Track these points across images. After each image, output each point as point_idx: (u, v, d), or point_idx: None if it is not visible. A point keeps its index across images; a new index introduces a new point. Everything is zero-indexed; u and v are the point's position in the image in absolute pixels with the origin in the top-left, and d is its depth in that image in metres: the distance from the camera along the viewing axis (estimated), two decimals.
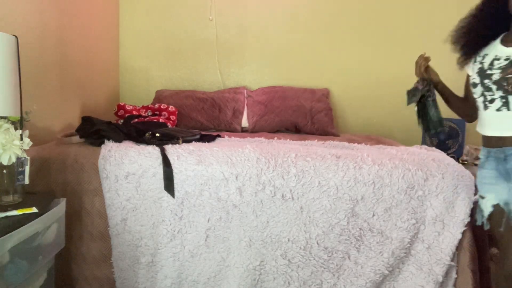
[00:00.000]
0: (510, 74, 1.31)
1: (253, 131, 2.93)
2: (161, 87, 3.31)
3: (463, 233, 1.63)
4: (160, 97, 3.07)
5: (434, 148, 1.98)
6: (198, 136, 2.02)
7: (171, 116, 2.80)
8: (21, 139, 1.37)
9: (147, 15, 3.29)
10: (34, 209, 1.34)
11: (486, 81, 1.38)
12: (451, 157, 1.89)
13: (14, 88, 1.35)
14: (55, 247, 1.49)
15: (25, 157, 1.41)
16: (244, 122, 2.99)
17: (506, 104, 1.34)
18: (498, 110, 1.36)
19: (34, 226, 1.30)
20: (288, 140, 2.09)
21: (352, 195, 1.65)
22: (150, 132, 1.94)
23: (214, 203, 1.68)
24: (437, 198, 1.64)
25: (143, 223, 1.72)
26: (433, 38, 3.25)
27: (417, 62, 1.64)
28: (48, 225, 1.40)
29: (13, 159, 1.34)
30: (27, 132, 1.44)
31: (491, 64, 1.38)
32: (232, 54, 3.33)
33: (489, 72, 1.38)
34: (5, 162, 1.32)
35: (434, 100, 1.66)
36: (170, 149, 1.76)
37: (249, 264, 1.69)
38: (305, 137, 2.43)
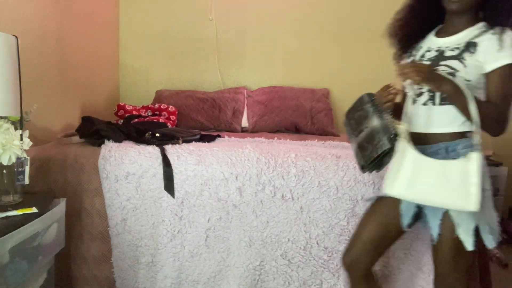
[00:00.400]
0: (437, 66, 1.24)
1: (253, 131, 2.93)
2: (161, 87, 3.31)
3: None
4: (160, 97, 3.07)
5: None
6: (198, 136, 2.02)
7: (171, 116, 2.80)
8: (21, 139, 1.37)
9: (147, 15, 3.28)
10: (34, 209, 1.34)
11: None
12: None
13: (14, 88, 1.35)
14: (55, 247, 1.49)
15: (25, 157, 1.41)
16: (244, 122, 2.99)
17: (432, 98, 1.27)
18: (424, 104, 1.29)
19: (34, 226, 1.30)
20: (288, 140, 2.09)
21: (352, 195, 1.65)
22: (150, 132, 1.94)
23: (214, 203, 1.68)
24: None
25: (143, 223, 1.72)
26: None
27: (381, 95, 1.35)
28: (48, 225, 1.40)
29: (13, 159, 1.34)
30: (27, 132, 1.44)
31: (422, 56, 1.32)
32: (232, 54, 3.33)
33: None
34: (5, 162, 1.32)
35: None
36: (170, 149, 1.76)
37: (249, 264, 1.69)
38: (305, 137, 2.43)
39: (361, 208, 1.65)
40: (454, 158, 1.20)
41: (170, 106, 2.85)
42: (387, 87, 1.33)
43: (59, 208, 1.49)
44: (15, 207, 1.35)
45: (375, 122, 1.31)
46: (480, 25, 1.24)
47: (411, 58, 1.37)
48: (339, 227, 1.66)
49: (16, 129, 1.38)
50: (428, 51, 1.31)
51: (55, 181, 1.74)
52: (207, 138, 2.03)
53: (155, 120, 2.66)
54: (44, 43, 2.15)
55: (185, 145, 1.82)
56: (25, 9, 1.97)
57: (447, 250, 1.26)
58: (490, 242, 1.21)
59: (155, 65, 3.34)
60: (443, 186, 1.16)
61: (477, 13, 1.27)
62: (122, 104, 2.79)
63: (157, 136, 1.91)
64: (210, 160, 1.70)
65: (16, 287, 1.24)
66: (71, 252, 1.75)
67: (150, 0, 3.27)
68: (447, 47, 1.27)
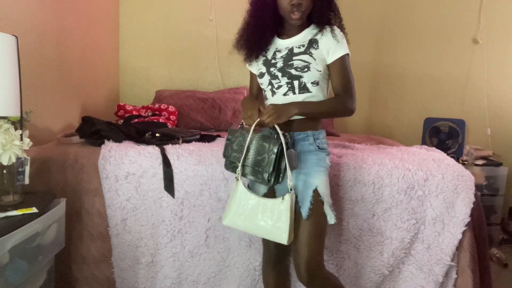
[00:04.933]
0: (291, 61, 1.41)
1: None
2: (161, 87, 3.31)
3: (463, 233, 1.63)
4: (160, 97, 3.07)
5: (434, 148, 1.98)
6: (198, 136, 2.02)
7: (171, 116, 2.80)
8: (21, 139, 1.37)
9: (147, 15, 3.29)
10: (34, 209, 1.34)
11: (272, 69, 1.45)
12: (451, 157, 1.89)
13: (14, 88, 1.35)
14: (55, 247, 1.49)
15: (25, 157, 1.41)
16: None
17: (291, 88, 1.43)
18: (284, 94, 1.44)
19: (34, 226, 1.30)
20: None
21: (352, 195, 1.65)
22: (150, 132, 1.94)
23: (214, 203, 1.68)
24: (437, 198, 1.64)
25: (143, 223, 1.72)
26: (431, 38, 3.26)
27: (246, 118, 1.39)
28: (48, 225, 1.40)
29: (13, 159, 1.34)
30: (27, 132, 1.43)
31: (274, 55, 1.47)
32: (232, 54, 3.31)
33: (273, 61, 1.45)
34: (5, 162, 1.32)
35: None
36: (170, 149, 1.76)
37: (249, 264, 1.69)
38: None
39: (361, 208, 1.65)
40: (318, 146, 1.41)
41: (170, 106, 2.85)
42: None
43: (59, 208, 1.49)
44: (15, 207, 1.35)
45: (252, 138, 1.37)
46: (313, 26, 1.46)
47: (262, 59, 1.49)
48: (339, 227, 1.66)
49: (16, 129, 1.38)
50: (279, 51, 1.46)
51: (55, 181, 1.74)
52: (207, 138, 2.03)
53: (155, 120, 2.66)
54: (44, 43, 2.15)
55: (185, 145, 1.82)
56: (25, 9, 1.97)
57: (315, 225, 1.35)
58: (332, 218, 1.35)
59: (155, 65, 3.34)
60: (259, 223, 1.33)
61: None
62: (122, 104, 2.79)
63: (157, 136, 1.91)
64: (210, 160, 1.70)
65: (16, 287, 1.24)
66: (71, 252, 1.75)
67: (150, 0, 3.27)
68: (293, 46, 1.44)
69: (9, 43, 1.33)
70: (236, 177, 1.40)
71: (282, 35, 1.50)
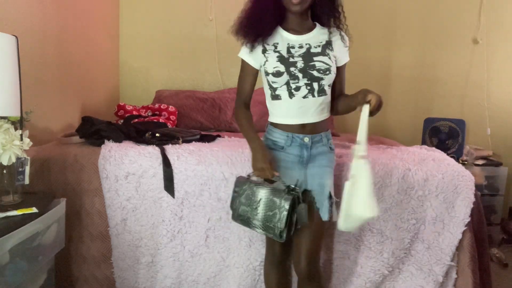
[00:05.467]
0: (312, 62, 1.39)
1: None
2: (161, 87, 3.31)
3: (463, 233, 1.63)
4: (160, 97, 3.07)
5: (434, 148, 1.98)
6: (198, 136, 2.02)
7: (171, 116, 2.80)
8: (21, 139, 1.37)
9: (147, 15, 3.28)
10: (34, 209, 1.34)
11: (292, 69, 1.38)
12: (451, 157, 1.89)
13: (14, 88, 1.35)
14: (55, 247, 1.49)
15: (25, 157, 1.41)
16: None
17: (311, 91, 1.40)
18: (304, 97, 1.40)
19: (34, 226, 1.30)
20: None
21: None
22: (150, 132, 1.94)
23: (214, 203, 1.68)
24: (437, 198, 1.64)
25: (143, 223, 1.72)
26: (431, 38, 3.25)
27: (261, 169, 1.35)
28: (48, 225, 1.40)
29: (13, 159, 1.34)
30: (27, 132, 1.43)
31: (289, 52, 1.41)
32: (232, 54, 3.30)
33: (291, 60, 1.39)
34: (5, 162, 1.32)
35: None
36: (170, 149, 1.76)
37: (249, 264, 1.69)
38: None
39: None
40: (330, 147, 1.46)
41: (170, 106, 2.85)
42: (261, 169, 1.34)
43: (59, 208, 1.48)
44: (15, 207, 1.34)
45: (262, 192, 1.33)
46: (321, 27, 1.46)
47: (276, 56, 1.40)
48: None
49: (16, 129, 1.38)
50: (292, 47, 1.41)
51: (55, 181, 1.74)
52: (207, 138, 2.02)
53: (155, 120, 2.66)
54: (44, 43, 2.15)
55: (185, 145, 1.82)
56: (25, 9, 1.97)
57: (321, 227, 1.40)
58: (325, 214, 1.36)
59: (155, 65, 3.34)
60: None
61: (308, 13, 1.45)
62: (122, 104, 2.79)
63: (157, 136, 1.91)
64: (210, 160, 1.70)
65: (16, 287, 1.24)
66: (71, 252, 1.75)
67: (150, 0, 3.27)
68: (309, 44, 1.42)
69: (9, 43, 1.33)
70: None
71: (288, 30, 1.44)
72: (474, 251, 1.66)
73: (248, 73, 1.47)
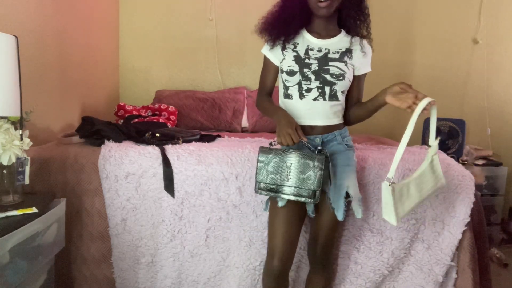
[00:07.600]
0: (326, 66, 1.41)
1: (253, 131, 2.93)
2: (161, 87, 3.31)
3: (463, 233, 1.63)
4: (160, 97, 3.07)
5: None
6: (198, 136, 2.02)
7: (171, 116, 2.80)
8: (21, 139, 1.37)
9: (147, 15, 3.29)
10: (34, 209, 1.34)
11: (306, 70, 1.41)
12: (451, 157, 1.89)
13: (14, 88, 1.35)
14: (55, 247, 1.49)
15: (25, 157, 1.41)
16: (244, 122, 2.99)
17: (322, 94, 1.42)
18: (315, 100, 1.42)
19: (34, 226, 1.29)
20: None
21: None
22: (150, 132, 1.94)
23: (214, 203, 1.68)
24: (437, 198, 1.64)
25: (143, 223, 1.72)
26: (431, 38, 3.26)
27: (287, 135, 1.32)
28: (48, 225, 1.40)
29: (13, 159, 1.34)
30: (27, 132, 1.43)
31: (307, 53, 1.43)
32: (232, 54, 3.33)
33: (307, 61, 1.42)
34: (5, 162, 1.32)
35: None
36: (170, 149, 1.76)
37: (249, 264, 1.69)
38: None
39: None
40: (347, 145, 1.47)
41: (170, 106, 2.85)
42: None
43: (59, 208, 1.48)
44: (15, 207, 1.34)
45: (292, 157, 1.34)
46: (345, 33, 1.47)
47: (293, 55, 1.43)
48: (339, 227, 1.66)
49: (16, 129, 1.38)
50: (311, 49, 1.43)
51: (55, 181, 1.74)
52: (207, 138, 2.03)
53: (155, 120, 2.66)
54: (44, 43, 2.15)
55: (185, 145, 1.82)
56: (25, 9, 1.97)
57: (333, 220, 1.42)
58: (359, 213, 1.39)
59: (155, 65, 3.34)
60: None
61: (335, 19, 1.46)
62: (122, 104, 2.79)
63: (157, 136, 1.91)
64: (210, 160, 1.70)
65: (16, 287, 1.24)
66: (71, 252, 1.75)
67: (150, 0, 3.27)
68: (329, 49, 1.43)
69: (9, 43, 1.33)
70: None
71: (312, 32, 1.47)
72: (474, 251, 1.66)
73: (269, 69, 1.53)
